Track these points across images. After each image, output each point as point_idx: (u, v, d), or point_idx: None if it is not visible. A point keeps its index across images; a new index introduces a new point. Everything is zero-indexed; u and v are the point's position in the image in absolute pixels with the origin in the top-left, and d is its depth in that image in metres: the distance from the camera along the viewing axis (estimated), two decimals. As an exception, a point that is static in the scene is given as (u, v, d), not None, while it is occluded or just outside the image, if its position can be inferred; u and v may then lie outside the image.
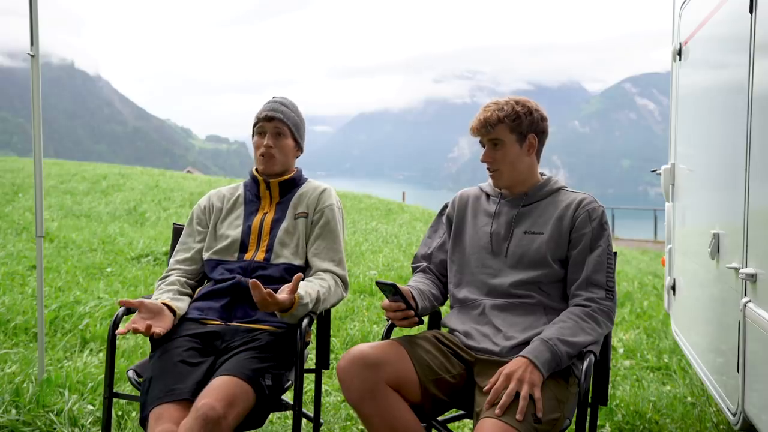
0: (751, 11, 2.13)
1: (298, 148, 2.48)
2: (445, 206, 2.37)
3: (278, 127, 2.39)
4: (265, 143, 2.39)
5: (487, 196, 2.27)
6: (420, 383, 1.94)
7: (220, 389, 1.85)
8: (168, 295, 2.24)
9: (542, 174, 2.24)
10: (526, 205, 2.18)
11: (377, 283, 1.98)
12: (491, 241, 2.17)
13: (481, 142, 2.17)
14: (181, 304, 2.23)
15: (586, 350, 1.96)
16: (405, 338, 2.07)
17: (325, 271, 2.30)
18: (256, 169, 2.47)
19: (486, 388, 1.83)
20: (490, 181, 2.31)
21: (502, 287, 2.10)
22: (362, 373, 1.88)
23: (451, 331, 2.17)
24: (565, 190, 2.19)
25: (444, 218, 2.34)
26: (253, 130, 2.46)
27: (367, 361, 1.89)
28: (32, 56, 2.87)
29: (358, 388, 1.88)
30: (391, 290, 1.97)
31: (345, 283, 2.34)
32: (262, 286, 1.95)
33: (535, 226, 2.13)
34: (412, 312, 2.01)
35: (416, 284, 2.20)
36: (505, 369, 1.83)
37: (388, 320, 2.17)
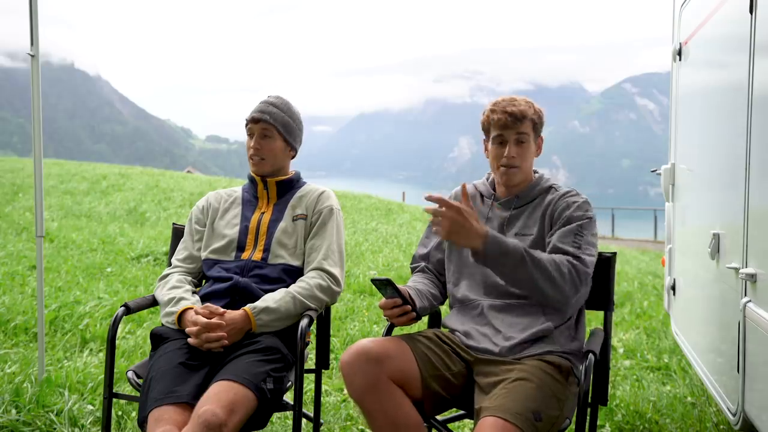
0: (751, 11, 2.13)
1: (291, 148, 2.45)
2: None
3: (265, 129, 2.37)
4: (252, 145, 2.39)
5: (482, 196, 2.27)
6: (422, 379, 1.95)
7: (221, 395, 1.84)
8: (192, 299, 2.24)
9: (535, 171, 2.24)
10: (518, 208, 2.18)
11: (372, 281, 1.98)
12: None
13: (499, 137, 2.13)
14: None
15: (585, 350, 1.96)
16: (407, 335, 2.07)
17: (314, 269, 2.29)
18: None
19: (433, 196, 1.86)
20: (485, 179, 2.30)
21: (499, 288, 2.11)
22: (365, 367, 1.88)
23: (452, 331, 2.17)
24: (555, 189, 2.20)
25: None
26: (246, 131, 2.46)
27: (370, 356, 1.89)
28: (32, 56, 2.88)
29: (360, 383, 1.88)
30: (386, 286, 1.96)
31: (335, 279, 2.30)
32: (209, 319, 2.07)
33: (525, 228, 2.14)
34: (410, 308, 2.01)
35: (414, 284, 2.20)
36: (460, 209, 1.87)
37: (387, 320, 2.18)
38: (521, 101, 2.14)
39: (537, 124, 2.15)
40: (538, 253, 1.96)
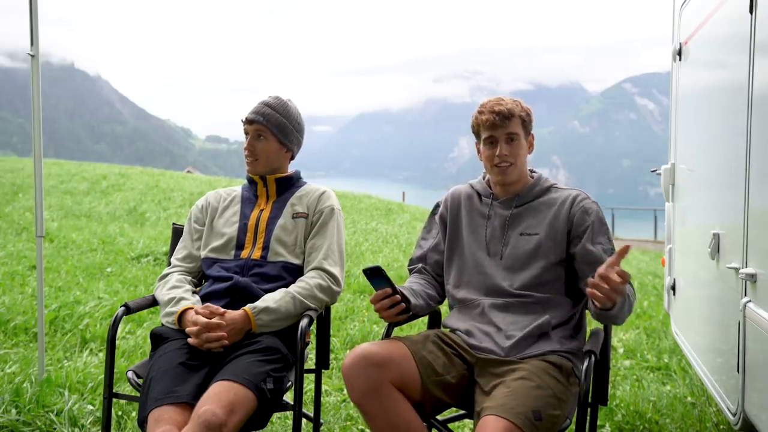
0: (751, 11, 2.13)
1: (287, 149, 2.44)
2: (437, 206, 2.36)
3: (259, 130, 2.38)
4: (245, 146, 2.41)
5: (479, 195, 2.27)
6: (422, 384, 1.95)
7: (221, 395, 1.84)
8: (192, 299, 2.24)
9: (532, 171, 2.24)
10: (519, 206, 2.18)
11: (364, 270, 1.93)
12: (487, 243, 2.17)
13: (490, 138, 2.13)
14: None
15: (586, 350, 1.96)
16: (408, 338, 2.07)
17: (314, 269, 2.29)
18: None
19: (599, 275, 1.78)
20: (481, 178, 2.30)
21: (500, 288, 2.11)
22: (367, 371, 1.88)
23: (453, 330, 2.17)
24: (556, 188, 2.20)
25: (437, 218, 2.33)
26: None
27: (372, 360, 1.89)
28: (32, 56, 2.88)
29: (362, 387, 1.88)
30: (377, 275, 1.92)
31: (335, 279, 2.29)
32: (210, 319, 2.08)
33: (531, 228, 2.13)
34: (399, 298, 1.97)
35: (409, 284, 2.20)
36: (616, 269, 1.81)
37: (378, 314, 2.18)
38: (508, 100, 2.15)
39: (526, 122, 2.16)
40: (629, 289, 1.99)
